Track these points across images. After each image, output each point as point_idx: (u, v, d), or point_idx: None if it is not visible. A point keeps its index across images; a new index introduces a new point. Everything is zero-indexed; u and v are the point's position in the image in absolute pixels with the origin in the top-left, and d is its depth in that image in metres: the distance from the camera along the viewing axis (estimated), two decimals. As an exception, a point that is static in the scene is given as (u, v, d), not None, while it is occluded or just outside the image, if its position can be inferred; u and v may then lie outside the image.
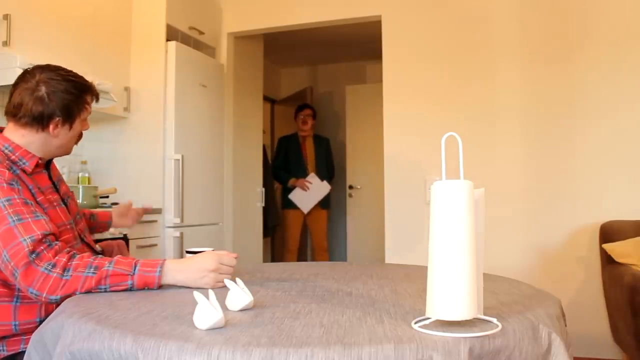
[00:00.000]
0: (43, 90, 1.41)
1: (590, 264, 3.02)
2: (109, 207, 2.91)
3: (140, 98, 3.30)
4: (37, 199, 1.38)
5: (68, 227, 1.46)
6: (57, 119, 1.43)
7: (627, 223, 2.81)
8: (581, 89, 3.10)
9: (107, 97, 2.95)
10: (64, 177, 3.12)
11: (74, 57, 2.83)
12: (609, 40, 3.05)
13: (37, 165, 1.45)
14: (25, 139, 1.43)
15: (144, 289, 1.27)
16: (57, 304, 1.22)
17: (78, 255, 1.27)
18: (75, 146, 1.57)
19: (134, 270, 1.26)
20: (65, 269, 1.23)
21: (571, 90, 3.12)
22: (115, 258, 1.29)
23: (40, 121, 1.42)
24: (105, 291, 1.25)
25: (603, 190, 3.03)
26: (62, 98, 1.43)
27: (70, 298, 1.20)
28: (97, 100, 1.57)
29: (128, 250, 2.68)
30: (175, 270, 1.29)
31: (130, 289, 1.26)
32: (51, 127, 1.43)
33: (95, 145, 3.36)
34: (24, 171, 1.41)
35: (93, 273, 1.24)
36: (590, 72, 3.08)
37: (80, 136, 1.56)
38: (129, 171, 3.28)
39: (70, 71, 1.50)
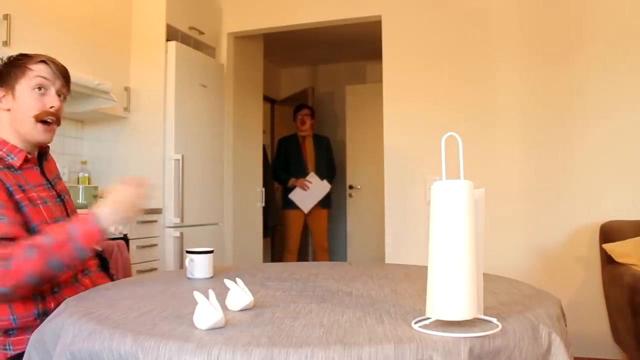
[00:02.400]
0: None
1: (590, 264, 3.02)
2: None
3: (140, 98, 3.29)
4: (16, 197, 1.34)
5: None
6: None
7: (627, 223, 2.81)
8: (580, 89, 3.10)
9: (107, 97, 2.95)
10: (64, 177, 3.13)
11: (74, 57, 2.82)
12: (608, 40, 3.05)
13: (26, 160, 1.43)
14: None
15: (93, 248, 1.29)
16: (12, 294, 1.23)
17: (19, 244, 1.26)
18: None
19: (73, 232, 1.27)
20: (4, 258, 1.21)
21: (571, 90, 3.12)
22: (48, 232, 1.28)
23: None
24: (62, 265, 1.26)
25: (603, 190, 3.03)
26: None
27: (70, 298, 1.20)
28: (47, 63, 1.46)
29: (128, 250, 2.68)
30: (107, 213, 1.31)
31: (81, 253, 1.27)
32: None
33: (95, 145, 3.36)
34: (11, 167, 1.39)
35: (34, 253, 1.22)
36: (589, 72, 3.08)
37: (47, 113, 1.44)
38: (129, 171, 3.27)
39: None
